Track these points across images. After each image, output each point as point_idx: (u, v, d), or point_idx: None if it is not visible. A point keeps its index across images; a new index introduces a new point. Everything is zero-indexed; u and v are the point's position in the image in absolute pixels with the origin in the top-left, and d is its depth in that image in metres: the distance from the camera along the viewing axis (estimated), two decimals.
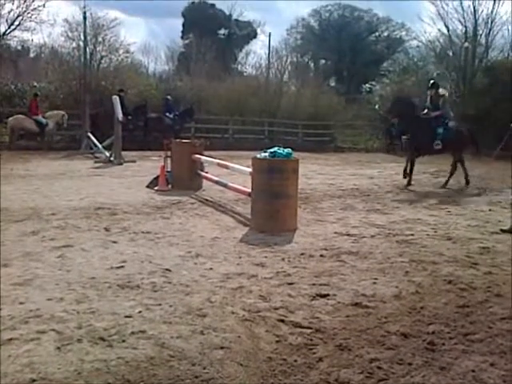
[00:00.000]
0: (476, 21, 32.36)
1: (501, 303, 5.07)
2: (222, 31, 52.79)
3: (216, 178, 11.15)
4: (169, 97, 25.95)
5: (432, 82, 15.34)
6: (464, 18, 32.52)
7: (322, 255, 6.68)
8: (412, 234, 8.03)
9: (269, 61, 36.62)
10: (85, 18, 27.34)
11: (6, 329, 4.07)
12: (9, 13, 28.84)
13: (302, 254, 6.72)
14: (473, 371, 3.68)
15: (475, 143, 15.74)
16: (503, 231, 8.30)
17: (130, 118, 22.59)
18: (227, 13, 52.80)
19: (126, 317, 4.40)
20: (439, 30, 35.04)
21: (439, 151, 14.66)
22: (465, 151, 15.36)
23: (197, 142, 12.80)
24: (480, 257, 6.82)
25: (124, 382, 3.39)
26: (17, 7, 28.89)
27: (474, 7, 32.18)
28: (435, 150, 14.37)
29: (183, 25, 52.20)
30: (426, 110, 14.46)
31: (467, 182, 14.45)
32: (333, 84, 48.45)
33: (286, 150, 8.22)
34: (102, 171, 15.58)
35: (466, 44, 32.02)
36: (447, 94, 14.77)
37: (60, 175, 14.18)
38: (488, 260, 6.67)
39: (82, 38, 28.26)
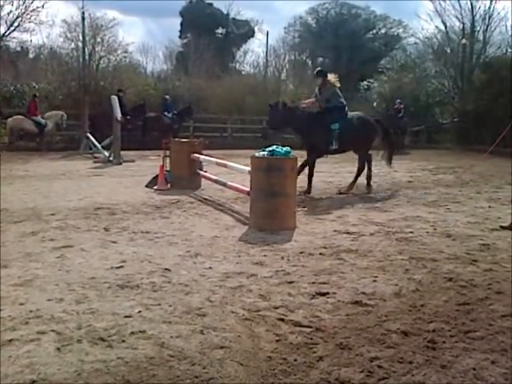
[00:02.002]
0: (473, 17, 32.42)
1: (501, 300, 5.07)
2: (220, 30, 52.70)
3: (215, 177, 11.15)
4: (167, 96, 25.96)
5: (318, 69, 13.39)
6: (461, 14, 32.61)
7: (321, 253, 6.68)
8: (411, 232, 8.02)
9: (267, 59, 36.72)
10: (83, 18, 27.38)
11: (7, 330, 4.07)
12: (8, 14, 28.78)
13: (302, 252, 6.72)
14: (474, 369, 3.68)
15: (386, 134, 13.52)
16: (503, 228, 8.30)
17: (128, 117, 22.56)
18: (225, 12, 52.73)
19: (126, 317, 4.40)
20: (437, 26, 35.10)
21: (338, 151, 12.57)
22: (374, 145, 13.47)
23: (195, 141, 12.79)
24: (480, 254, 6.82)
25: (124, 382, 3.39)
26: (16, 8, 28.83)
27: (472, 4, 32.28)
28: (333, 150, 12.27)
29: (181, 24, 52.13)
30: (304, 105, 12.82)
31: (368, 185, 12.68)
32: None
33: (284, 149, 8.22)
34: (101, 171, 15.57)
35: (464, 40, 32.05)
36: (338, 82, 12.52)
37: (59, 175, 14.17)
38: (488, 257, 6.67)
39: (81, 38, 28.32)
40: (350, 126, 12.24)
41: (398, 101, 27.64)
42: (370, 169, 12.90)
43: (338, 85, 12.58)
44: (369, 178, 12.79)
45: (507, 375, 3.60)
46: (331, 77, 12.60)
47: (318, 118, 12.19)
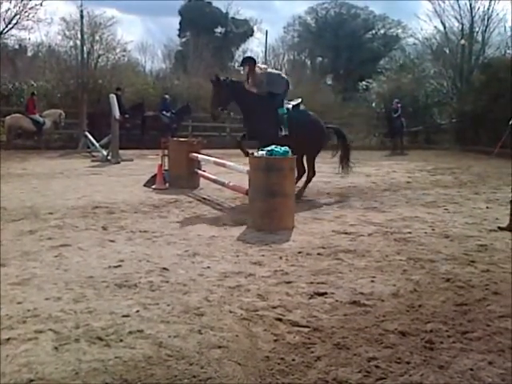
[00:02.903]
0: (472, 18, 32.47)
1: (499, 301, 5.07)
2: (219, 29, 52.79)
3: (213, 177, 11.15)
4: (167, 96, 25.98)
5: (245, 57, 12.18)
6: (460, 15, 32.68)
7: (319, 253, 6.68)
8: (409, 232, 8.02)
9: (266, 59, 36.72)
10: (82, 16, 27.39)
11: (4, 328, 4.07)
12: (6, 12, 28.80)
13: (300, 252, 6.71)
14: (471, 370, 3.68)
15: (340, 138, 13.01)
16: (501, 229, 8.30)
17: (127, 116, 22.58)
18: (224, 11, 52.82)
19: (124, 316, 4.39)
20: (436, 27, 35.20)
21: (290, 139, 10.72)
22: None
23: (194, 140, 12.79)
24: (478, 254, 6.82)
25: (122, 381, 3.38)
26: (14, 6, 28.84)
27: (471, 4, 32.34)
28: (283, 137, 10.78)
29: (180, 23, 52.20)
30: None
31: (303, 187, 11.57)
32: (329, 82, 48.37)
33: (282, 149, 8.21)
34: (100, 170, 15.57)
35: (463, 41, 32.10)
36: (270, 69, 11.73)
37: (57, 174, 14.18)
38: (486, 258, 6.67)
39: (79, 36, 28.31)
40: (297, 117, 11.30)
41: (396, 100, 27.67)
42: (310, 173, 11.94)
43: (275, 71, 12.06)
44: (308, 181, 11.83)
45: (504, 376, 3.61)
46: (262, 66, 11.88)
47: (265, 99, 11.11)
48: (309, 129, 11.39)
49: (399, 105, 27.01)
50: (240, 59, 46.88)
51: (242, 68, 12.36)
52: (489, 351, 3.97)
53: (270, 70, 11.55)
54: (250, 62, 11.54)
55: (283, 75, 11.86)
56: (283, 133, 10.94)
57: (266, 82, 11.15)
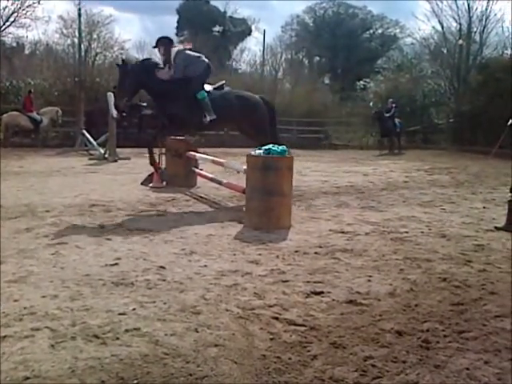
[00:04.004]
0: (470, 18, 32.51)
1: (495, 301, 5.07)
2: (217, 28, 52.77)
3: (211, 175, 11.15)
4: None
5: (160, 36, 10.41)
6: (458, 15, 32.74)
7: (316, 253, 6.68)
8: (406, 232, 8.03)
9: (263, 58, 36.68)
10: (79, 14, 27.35)
11: (1, 326, 4.06)
12: (4, 9, 28.80)
13: (297, 251, 6.71)
14: (467, 369, 3.68)
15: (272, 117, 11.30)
16: (497, 229, 8.32)
17: (124, 115, 22.54)
18: (222, 10, 52.81)
19: (120, 314, 4.39)
20: (433, 27, 35.30)
21: (217, 124, 10.83)
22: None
23: (191, 138, 12.78)
24: (474, 254, 6.83)
25: (118, 379, 3.38)
26: (12, 4, 28.84)
27: (469, 4, 32.38)
28: (207, 123, 10.25)
29: (178, 22, 52.17)
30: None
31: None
32: (327, 81, 48.43)
33: (280, 147, 8.21)
34: (97, 168, 15.57)
35: (461, 41, 32.14)
36: (183, 49, 10.45)
37: (54, 172, 14.17)
38: (482, 258, 6.67)
39: (77, 34, 28.31)
40: (221, 100, 10.40)
41: (391, 100, 27.64)
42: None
43: (194, 53, 10.64)
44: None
45: (500, 375, 3.61)
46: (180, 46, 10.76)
47: (180, 84, 10.10)
48: (240, 107, 10.48)
49: (394, 105, 26.90)
50: (238, 58, 46.97)
51: (157, 49, 10.79)
52: (485, 351, 3.98)
53: (188, 51, 10.45)
54: (165, 42, 10.52)
55: (204, 58, 10.70)
56: (208, 118, 10.13)
57: (183, 64, 10.20)
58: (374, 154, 25.28)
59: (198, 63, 10.38)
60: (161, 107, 10.43)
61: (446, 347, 4.02)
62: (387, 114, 26.35)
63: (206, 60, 10.56)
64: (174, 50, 10.21)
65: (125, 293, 4.95)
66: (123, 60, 10.14)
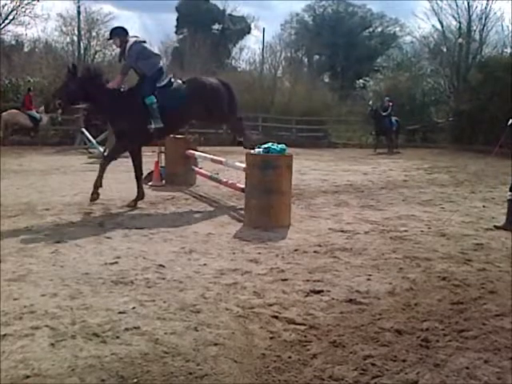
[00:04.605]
0: (470, 17, 32.49)
1: (495, 300, 5.08)
2: (216, 26, 52.69)
3: (210, 174, 11.15)
4: None
5: (114, 27, 9.62)
6: (458, 13, 32.72)
7: (315, 251, 6.68)
8: (406, 231, 8.03)
9: (263, 56, 36.72)
10: (79, 12, 27.39)
11: (1, 325, 4.06)
12: (3, 7, 28.77)
13: (296, 250, 6.72)
14: (467, 368, 3.68)
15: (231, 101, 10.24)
16: (497, 228, 8.32)
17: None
18: (221, 8, 52.73)
19: (120, 313, 4.39)
20: (433, 25, 35.31)
21: (167, 131, 9.83)
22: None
23: (191, 137, 12.77)
24: (474, 253, 6.83)
25: (118, 378, 3.38)
26: (11, 1, 28.81)
27: (468, 3, 32.36)
28: (156, 132, 9.33)
29: (177, 20, 52.08)
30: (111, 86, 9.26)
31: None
32: (327, 79, 48.42)
33: (279, 146, 8.21)
34: (96, 167, 15.36)
35: (460, 40, 32.14)
36: (140, 41, 9.51)
37: (54, 170, 14.17)
38: (482, 256, 6.68)
39: (76, 32, 28.33)
40: (173, 98, 9.34)
41: (387, 98, 27.53)
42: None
43: (141, 39, 9.69)
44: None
45: (500, 374, 3.61)
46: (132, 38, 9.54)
47: (126, 93, 9.35)
48: (192, 98, 9.40)
49: (390, 103, 26.73)
50: (237, 56, 46.96)
51: (111, 41, 10.00)
52: (485, 350, 3.98)
53: (144, 44, 9.63)
54: (120, 34, 9.56)
55: (159, 59, 9.78)
56: (153, 126, 9.19)
57: (135, 56, 9.31)
58: (371, 152, 25.19)
59: (151, 59, 9.44)
60: (110, 118, 9.80)
61: (445, 346, 4.02)
62: (384, 113, 26.18)
63: (161, 63, 9.68)
64: (131, 40, 9.38)
65: (124, 291, 4.95)
66: (74, 65, 9.48)
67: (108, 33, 10.32)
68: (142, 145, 9.66)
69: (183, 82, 9.73)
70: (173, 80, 9.65)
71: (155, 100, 9.12)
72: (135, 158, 9.77)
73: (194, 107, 9.45)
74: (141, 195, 9.55)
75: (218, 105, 9.75)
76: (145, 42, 9.79)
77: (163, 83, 9.44)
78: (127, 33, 9.49)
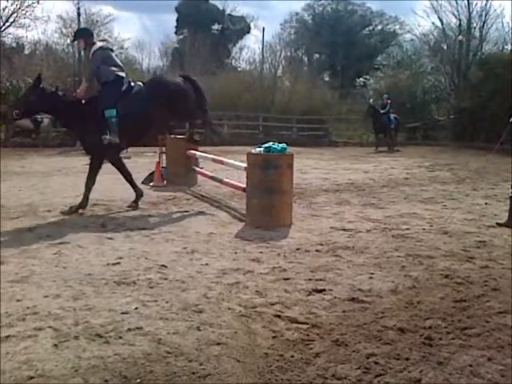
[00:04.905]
0: (470, 14, 32.43)
1: (498, 297, 5.08)
2: (216, 26, 52.66)
3: (211, 174, 11.15)
4: None
5: (78, 29, 8.65)
6: (458, 11, 32.65)
7: (317, 250, 6.68)
8: (408, 229, 8.03)
9: (263, 56, 36.65)
10: (79, 14, 27.35)
11: (4, 326, 4.07)
12: (3, 10, 28.78)
13: (298, 249, 6.72)
14: (470, 366, 3.68)
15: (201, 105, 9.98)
16: (499, 225, 8.31)
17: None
18: (221, 8, 52.70)
19: (123, 313, 4.40)
20: (433, 23, 35.25)
21: (123, 145, 9.48)
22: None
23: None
24: (476, 251, 6.82)
25: (121, 378, 3.39)
26: (11, 4, 28.82)
27: (468, 0, 32.26)
28: (113, 147, 8.89)
29: (177, 20, 52.07)
30: (77, 95, 9.13)
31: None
32: (327, 78, 48.37)
33: (280, 145, 8.20)
34: None
35: (460, 37, 32.09)
36: (106, 47, 9.17)
37: (55, 172, 14.18)
38: (484, 254, 6.67)
39: None
40: (135, 103, 8.84)
41: (385, 96, 27.45)
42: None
43: (108, 46, 9.44)
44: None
45: (504, 372, 3.61)
46: (99, 43, 9.27)
47: (86, 104, 8.90)
48: (155, 101, 8.89)
49: (389, 101, 26.57)
50: (237, 56, 46.96)
51: (75, 43, 9.76)
52: (488, 347, 3.98)
53: (110, 52, 9.26)
54: (84, 35, 9.21)
55: (121, 72, 9.25)
56: (107, 139, 8.69)
57: (96, 64, 8.89)
58: (372, 150, 25.12)
59: (113, 68, 8.99)
60: (74, 133, 9.18)
61: (448, 344, 4.02)
62: (382, 110, 26.03)
63: (123, 74, 9.17)
64: (97, 45, 9.03)
65: (127, 292, 4.96)
66: (39, 75, 8.94)
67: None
68: (115, 156, 9.24)
69: (143, 84, 9.33)
70: (133, 84, 9.22)
71: (115, 113, 8.67)
72: (118, 167, 9.49)
73: (157, 109, 8.92)
74: (139, 193, 9.44)
75: (182, 104, 9.23)
76: (112, 50, 9.55)
77: (123, 88, 9.01)
78: (92, 35, 9.26)
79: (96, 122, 8.62)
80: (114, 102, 8.72)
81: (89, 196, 8.94)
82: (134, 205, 9.27)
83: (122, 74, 9.12)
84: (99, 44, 9.14)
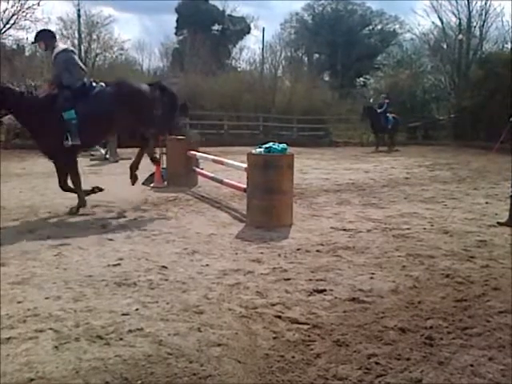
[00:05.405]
0: (470, 13, 32.40)
1: (498, 297, 5.07)
2: (216, 27, 52.65)
3: (211, 174, 11.15)
4: None
5: (39, 30, 8.90)
6: (458, 10, 32.62)
7: (318, 250, 6.68)
8: (408, 228, 8.03)
9: (263, 56, 36.68)
10: (79, 15, 27.38)
11: (5, 328, 4.07)
12: (4, 12, 28.78)
13: (299, 249, 6.72)
14: (471, 365, 3.68)
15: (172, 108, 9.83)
16: (500, 224, 8.31)
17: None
18: (221, 8, 52.69)
19: (123, 314, 4.39)
20: (433, 22, 35.28)
21: (83, 147, 9.01)
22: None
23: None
24: (477, 250, 6.82)
25: (122, 380, 3.39)
26: (12, 6, 28.82)
27: None
28: (70, 148, 8.55)
29: (177, 21, 52.06)
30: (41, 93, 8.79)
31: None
32: (327, 78, 48.31)
33: (280, 146, 8.20)
34: (98, 169, 15.56)
35: (460, 36, 32.07)
36: (69, 50, 8.98)
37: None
38: (485, 253, 6.67)
39: (77, 35, 28.32)
40: (96, 103, 8.62)
41: (383, 96, 27.40)
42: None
43: (71, 48, 9.38)
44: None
45: (505, 371, 3.61)
46: (61, 45, 9.05)
47: (45, 103, 8.50)
48: (117, 103, 8.66)
49: (386, 100, 26.48)
50: (237, 56, 46.96)
51: (36, 45, 9.26)
52: (489, 347, 3.98)
53: (73, 54, 9.01)
54: (44, 37, 8.86)
55: (78, 61, 9.07)
56: (70, 142, 8.42)
57: (59, 69, 8.68)
58: (372, 150, 25.05)
59: (75, 71, 8.73)
60: (31, 132, 8.88)
61: (449, 344, 4.02)
62: (379, 110, 25.92)
63: (85, 79, 8.92)
64: (59, 48, 8.77)
65: (127, 293, 4.96)
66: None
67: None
68: (71, 163, 8.84)
69: (107, 85, 9.01)
70: (94, 84, 8.95)
71: (75, 115, 8.38)
72: (70, 172, 8.90)
73: (119, 115, 8.69)
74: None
75: (145, 111, 9.03)
76: (74, 52, 9.33)
77: (83, 89, 8.73)
78: (54, 37, 8.95)
79: (53, 124, 8.35)
80: (73, 102, 8.46)
81: (83, 193, 8.85)
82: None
83: (85, 80, 8.88)
84: (62, 46, 8.94)
